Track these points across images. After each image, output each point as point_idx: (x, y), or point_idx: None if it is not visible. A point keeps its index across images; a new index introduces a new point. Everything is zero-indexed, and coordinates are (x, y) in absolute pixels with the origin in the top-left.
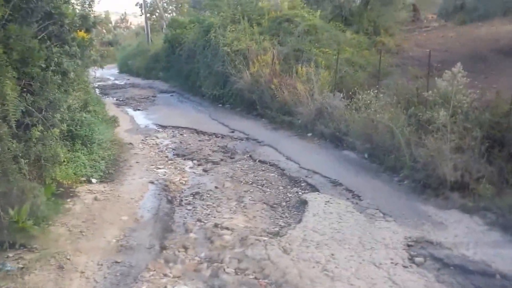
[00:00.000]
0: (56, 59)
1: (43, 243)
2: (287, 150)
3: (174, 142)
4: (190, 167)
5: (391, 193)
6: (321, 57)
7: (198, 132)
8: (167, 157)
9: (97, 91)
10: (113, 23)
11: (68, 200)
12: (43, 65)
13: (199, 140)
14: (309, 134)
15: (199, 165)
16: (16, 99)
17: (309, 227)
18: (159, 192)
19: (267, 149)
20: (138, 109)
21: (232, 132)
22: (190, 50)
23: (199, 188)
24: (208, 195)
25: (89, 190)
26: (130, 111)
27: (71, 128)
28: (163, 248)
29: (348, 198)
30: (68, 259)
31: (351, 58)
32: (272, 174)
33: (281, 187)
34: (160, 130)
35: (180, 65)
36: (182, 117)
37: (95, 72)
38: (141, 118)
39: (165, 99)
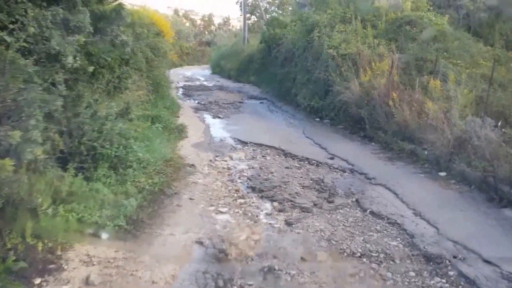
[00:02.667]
0: (33, 27)
1: None
2: (412, 198)
3: (252, 168)
4: (267, 214)
5: None
6: (451, 69)
7: (286, 154)
8: (237, 191)
9: (180, 91)
10: (216, 25)
11: (37, 282)
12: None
13: (286, 167)
14: (442, 174)
15: (280, 210)
16: None
17: None
18: (208, 264)
19: (381, 191)
20: (218, 117)
21: (331, 158)
22: (288, 51)
23: (275, 257)
24: (288, 278)
25: (87, 256)
26: (208, 118)
27: (94, 144)
28: None
29: None
30: None
31: (488, 74)
32: (394, 243)
33: (411, 272)
34: (238, 147)
35: (275, 69)
36: (268, 132)
37: (168, 71)
38: (218, 128)
39: (252, 107)
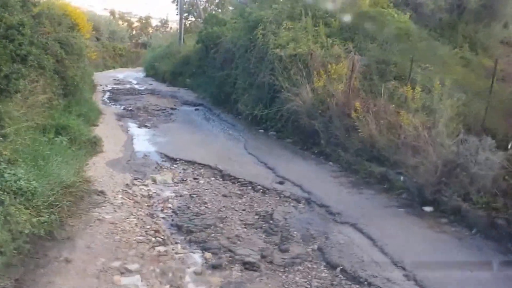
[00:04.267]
0: None
1: None
2: (396, 247)
3: (180, 195)
4: (196, 273)
5: None
6: (420, 74)
7: (224, 176)
8: (157, 232)
9: (107, 95)
10: (153, 27)
11: None
12: None
13: (224, 195)
14: (428, 209)
15: (215, 267)
16: None
17: None
18: None
19: (351, 234)
20: (145, 126)
21: (281, 183)
22: (227, 52)
23: None
24: None
25: None
26: (132, 127)
27: None
28: None
29: None
30: None
31: (461, 81)
32: None
33: None
34: (165, 165)
35: (213, 72)
36: (203, 146)
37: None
38: (143, 140)
39: (186, 114)
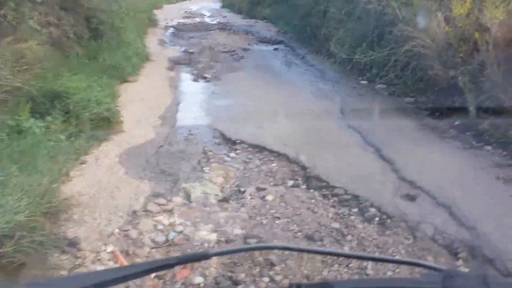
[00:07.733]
0: None
1: None
2: None
3: (226, 240)
4: None
5: None
6: None
7: (309, 180)
8: None
9: (168, 32)
10: None
11: None
12: None
13: (309, 237)
14: None
15: None
16: None
17: None
18: None
19: None
20: (204, 77)
21: (411, 197)
22: None
23: None
24: None
25: None
26: (186, 81)
27: None
28: None
29: None
30: None
31: None
32: None
33: None
34: (217, 155)
35: None
36: (280, 111)
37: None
38: (194, 103)
39: (261, 57)
